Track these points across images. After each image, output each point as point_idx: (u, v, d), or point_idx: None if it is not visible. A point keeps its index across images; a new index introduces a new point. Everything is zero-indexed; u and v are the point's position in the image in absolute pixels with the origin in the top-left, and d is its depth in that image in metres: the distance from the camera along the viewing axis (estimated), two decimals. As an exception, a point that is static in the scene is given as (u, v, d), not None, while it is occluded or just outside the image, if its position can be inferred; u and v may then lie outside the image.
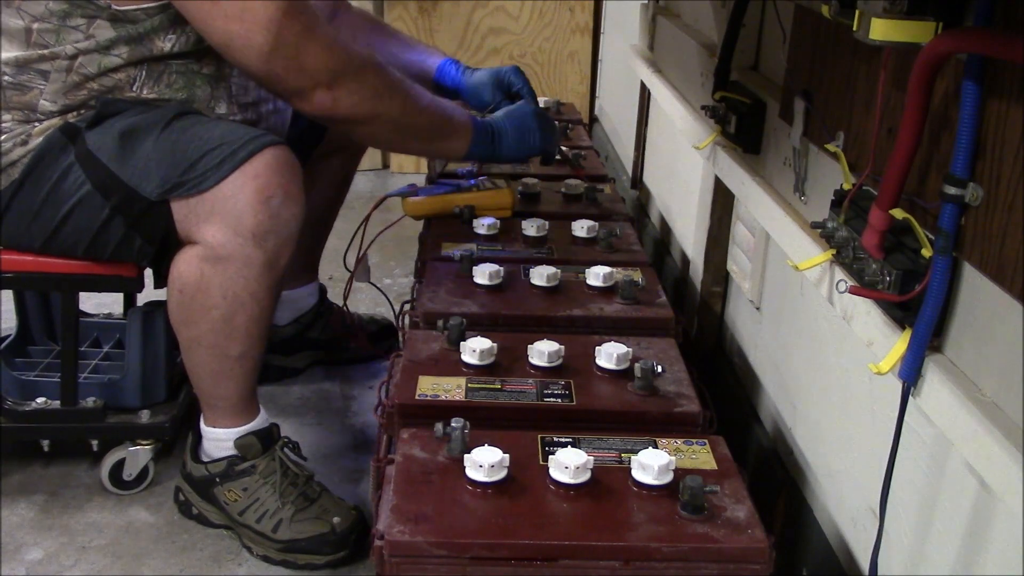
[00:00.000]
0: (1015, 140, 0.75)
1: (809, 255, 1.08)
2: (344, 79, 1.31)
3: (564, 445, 1.05)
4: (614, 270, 1.45)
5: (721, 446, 1.09)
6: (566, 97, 3.18)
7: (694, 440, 1.09)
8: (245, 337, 1.37)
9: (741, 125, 1.40)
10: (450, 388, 1.17)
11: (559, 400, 1.16)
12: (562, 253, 1.58)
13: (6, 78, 1.35)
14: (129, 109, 1.35)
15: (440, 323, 1.27)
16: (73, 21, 1.32)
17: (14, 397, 1.53)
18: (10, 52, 1.35)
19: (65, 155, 1.34)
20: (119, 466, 1.56)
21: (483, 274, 1.42)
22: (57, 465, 1.63)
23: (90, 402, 1.53)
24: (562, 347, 1.23)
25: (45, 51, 1.33)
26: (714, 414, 1.16)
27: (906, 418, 0.89)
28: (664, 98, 1.92)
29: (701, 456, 1.06)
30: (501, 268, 1.44)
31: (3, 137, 1.36)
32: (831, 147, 1.07)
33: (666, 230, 2.19)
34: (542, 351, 1.21)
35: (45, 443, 1.56)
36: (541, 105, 1.73)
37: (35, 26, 1.33)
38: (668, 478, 0.99)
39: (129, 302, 1.72)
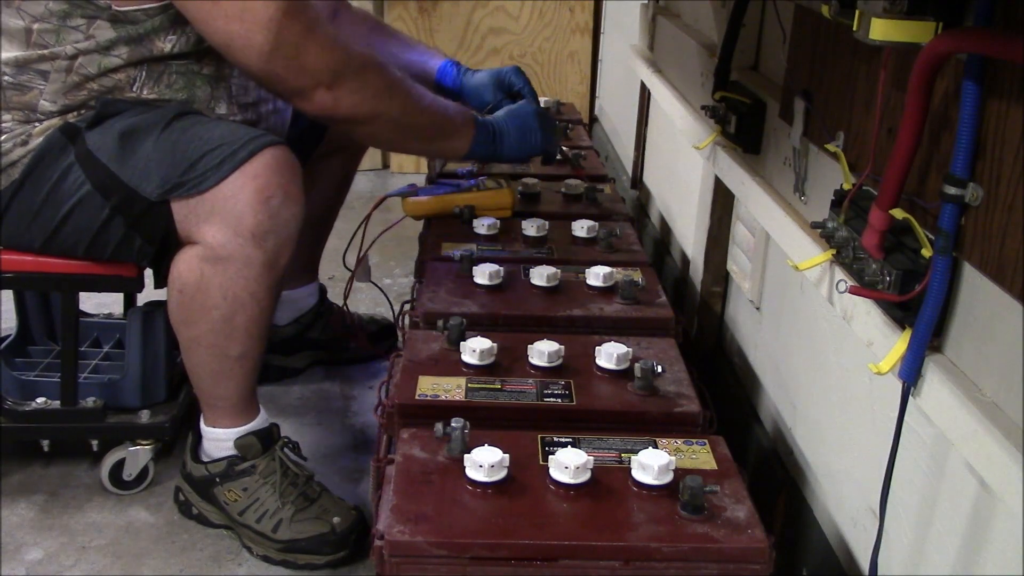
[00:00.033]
0: (1015, 140, 0.75)
1: (809, 255, 1.08)
2: (345, 79, 1.31)
3: (564, 445, 1.05)
4: (614, 270, 1.45)
5: (721, 446, 1.09)
6: (566, 97, 3.18)
7: (694, 440, 1.09)
8: (245, 337, 1.37)
9: (741, 125, 1.40)
10: (450, 388, 1.17)
11: (559, 400, 1.16)
12: (562, 253, 1.58)
13: (6, 78, 1.35)
14: (129, 109, 1.35)
15: (440, 323, 1.27)
16: (73, 21, 1.32)
17: (14, 397, 1.54)
18: (10, 52, 1.35)
19: (65, 155, 1.34)
20: (119, 466, 1.56)
21: (483, 274, 1.42)
22: (57, 465, 1.63)
23: (90, 402, 1.53)
24: (562, 347, 1.23)
25: (45, 51, 1.33)
26: (714, 414, 1.16)
27: (906, 418, 0.89)
28: (664, 98, 1.92)
29: (701, 456, 1.06)
30: (501, 268, 1.44)
31: (3, 137, 1.36)
32: (831, 147, 1.07)
33: (666, 230, 2.19)
34: (542, 351, 1.21)
35: (45, 443, 1.56)
36: (541, 105, 1.73)
37: (35, 26, 1.33)
38: (668, 478, 0.99)
39: (129, 302, 1.72)
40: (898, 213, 0.88)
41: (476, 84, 1.77)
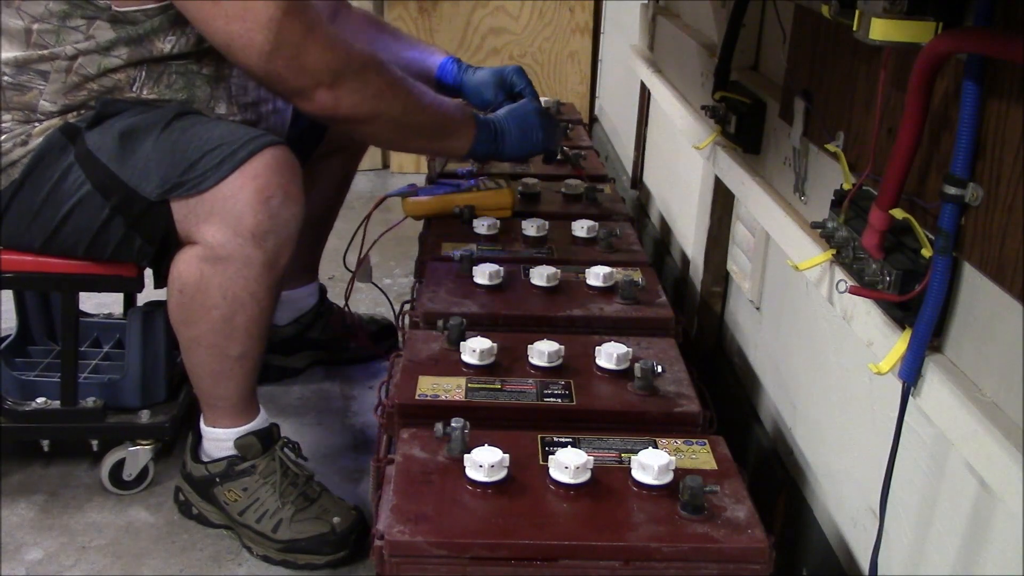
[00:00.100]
0: (1015, 140, 0.75)
1: (809, 255, 1.07)
2: (346, 78, 1.31)
3: (564, 445, 1.05)
4: (614, 270, 1.45)
5: (721, 446, 1.09)
6: (566, 97, 3.18)
7: (694, 440, 1.09)
8: (245, 337, 1.37)
9: (741, 125, 1.40)
10: (450, 388, 1.17)
11: (559, 400, 1.16)
12: (562, 253, 1.58)
13: (6, 78, 1.35)
14: (129, 109, 1.35)
15: (440, 323, 1.27)
16: (73, 22, 1.32)
17: (14, 397, 1.54)
18: (10, 52, 1.35)
19: (65, 155, 1.34)
20: (119, 466, 1.56)
21: (483, 274, 1.42)
22: (57, 465, 1.63)
23: (90, 402, 1.53)
24: (562, 347, 1.23)
25: (45, 51, 1.33)
26: (714, 414, 1.16)
27: (906, 418, 0.89)
28: (664, 98, 1.92)
29: (701, 456, 1.06)
30: (501, 268, 1.44)
31: (3, 137, 1.36)
32: (831, 147, 1.07)
33: (666, 230, 2.19)
34: (542, 351, 1.21)
35: (45, 443, 1.56)
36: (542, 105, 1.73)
37: (35, 27, 1.33)
38: (668, 478, 0.99)
39: (129, 302, 1.72)
40: (898, 213, 0.88)
41: (477, 82, 1.76)
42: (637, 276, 1.47)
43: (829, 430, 1.23)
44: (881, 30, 0.81)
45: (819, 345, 1.27)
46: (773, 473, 1.36)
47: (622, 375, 1.21)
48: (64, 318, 1.49)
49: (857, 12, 0.84)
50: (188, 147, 1.29)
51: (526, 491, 0.99)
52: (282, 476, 1.44)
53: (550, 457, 1.01)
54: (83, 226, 1.36)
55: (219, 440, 1.46)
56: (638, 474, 1.00)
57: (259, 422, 1.47)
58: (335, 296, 2.04)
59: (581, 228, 1.63)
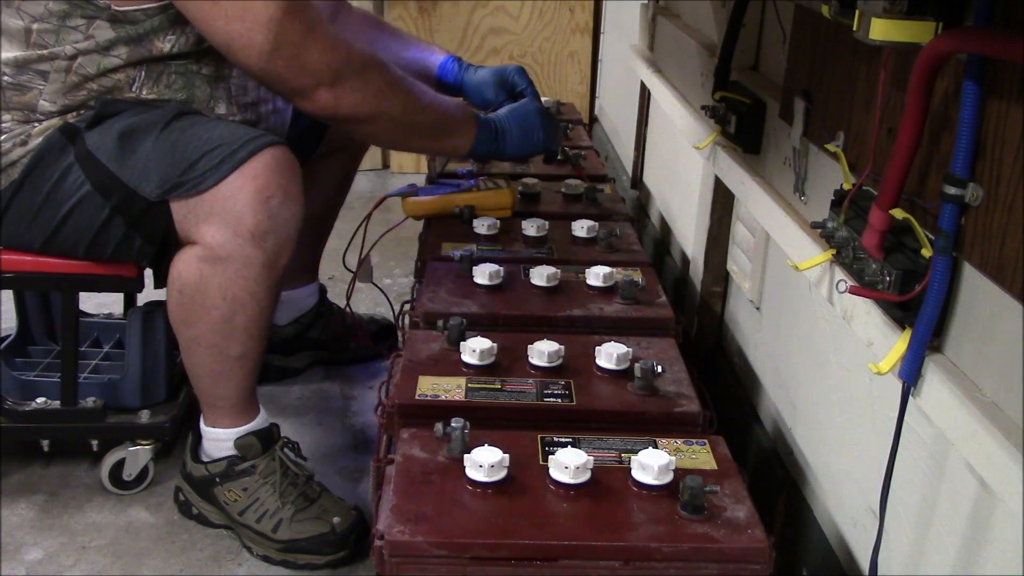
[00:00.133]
0: (1015, 140, 0.75)
1: (809, 255, 1.07)
2: (346, 78, 1.31)
3: (564, 445, 1.05)
4: (614, 270, 1.45)
5: (721, 446, 1.09)
6: (566, 97, 3.18)
7: (694, 440, 1.09)
8: (245, 337, 1.37)
9: (741, 125, 1.40)
10: (450, 388, 1.17)
11: (559, 400, 1.16)
12: (562, 253, 1.58)
13: (6, 78, 1.35)
14: (129, 109, 1.35)
15: (440, 323, 1.27)
16: (72, 21, 1.32)
17: (14, 397, 1.53)
18: (10, 52, 1.35)
19: (65, 155, 1.34)
20: (119, 466, 1.56)
21: (483, 274, 1.42)
22: (57, 465, 1.63)
23: (90, 402, 1.53)
24: (562, 347, 1.23)
25: (45, 51, 1.33)
26: (714, 414, 1.16)
27: (906, 418, 0.89)
28: (664, 98, 1.92)
29: (701, 456, 1.06)
30: (501, 268, 1.44)
31: (3, 137, 1.36)
32: (831, 147, 1.07)
33: (666, 230, 2.19)
34: (542, 351, 1.21)
35: (45, 443, 1.56)
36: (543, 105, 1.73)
37: (35, 26, 1.33)
38: (668, 478, 0.99)
39: (129, 302, 1.72)
40: (898, 213, 0.88)
41: (478, 81, 1.76)
42: (637, 276, 1.47)
43: (829, 430, 1.23)
44: (881, 30, 0.81)
45: (819, 345, 1.27)
46: (773, 473, 1.36)
47: (622, 375, 1.21)
48: (64, 318, 1.49)
49: (857, 12, 0.84)
50: (188, 147, 1.29)
51: (526, 491, 0.99)
52: (282, 476, 1.44)
53: (550, 457, 1.01)
54: (83, 226, 1.36)
55: (219, 440, 1.46)
56: (638, 474, 1.00)
57: (259, 422, 1.47)
58: (335, 296, 2.04)
59: (581, 228, 1.63)
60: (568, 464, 0.99)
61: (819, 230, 1.04)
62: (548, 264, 1.47)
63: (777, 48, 1.38)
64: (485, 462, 0.98)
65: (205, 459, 1.47)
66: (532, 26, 3.35)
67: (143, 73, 1.37)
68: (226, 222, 1.28)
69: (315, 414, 1.84)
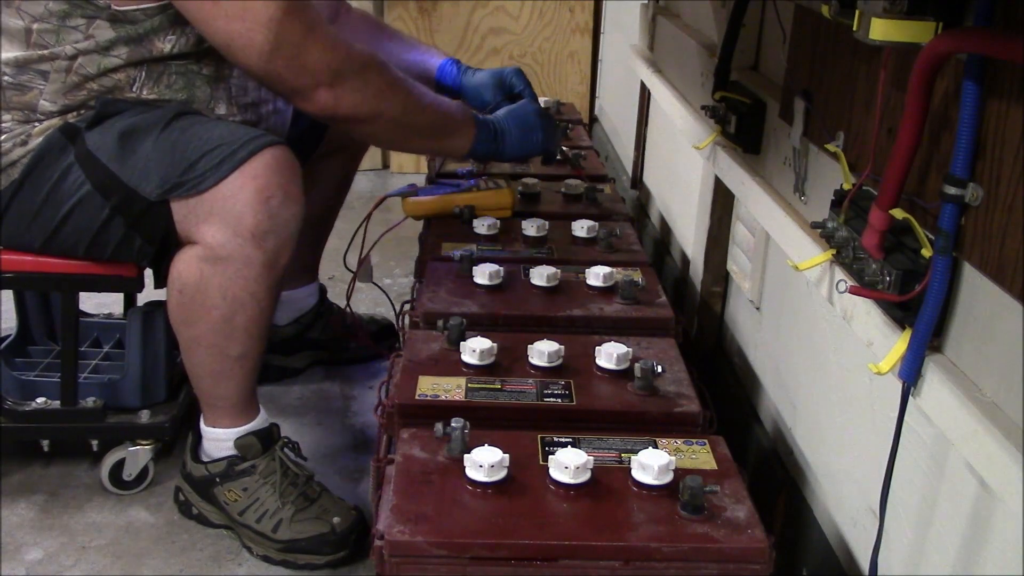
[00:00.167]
0: (1015, 140, 0.75)
1: (809, 255, 1.07)
2: (346, 78, 1.31)
3: (564, 445, 1.05)
4: (614, 270, 1.45)
5: (721, 446, 1.09)
6: (566, 97, 3.18)
7: (694, 440, 1.09)
8: (245, 337, 1.37)
9: (741, 125, 1.40)
10: (450, 388, 1.17)
11: (559, 400, 1.16)
12: (562, 253, 1.58)
13: (6, 78, 1.35)
14: (129, 109, 1.35)
15: (440, 323, 1.27)
16: (73, 21, 1.32)
17: (14, 397, 1.54)
18: (10, 52, 1.35)
19: (65, 155, 1.34)
20: (119, 466, 1.56)
21: (483, 274, 1.42)
22: (57, 465, 1.63)
23: (90, 402, 1.53)
24: (562, 347, 1.23)
25: (45, 51, 1.33)
26: (714, 414, 1.16)
27: (906, 418, 0.89)
28: (664, 98, 1.92)
29: (701, 456, 1.06)
30: (501, 268, 1.44)
31: (3, 137, 1.36)
32: (831, 147, 1.07)
33: (666, 230, 2.19)
34: (542, 351, 1.21)
35: (45, 443, 1.56)
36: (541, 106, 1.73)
37: (35, 26, 1.33)
38: (668, 478, 0.99)
39: (129, 302, 1.72)
40: (898, 213, 0.88)
41: (477, 83, 1.77)
42: (637, 276, 1.47)
43: (829, 430, 1.23)
44: (881, 30, 0.81)
45: (819, 345, 1.27)
46: (773, 473, 1.36)
47: (622, 375, 1.21)
48: (64, 318, 1.49)
49: (857, 12, 0.84)
50: (188, 147, 1.30)
51: (526, 491, 0.99)
52: (282, 476, 1.44)
53: (550, 457, 1.01)
54: (83, 226, 1.36)
55: (219, 440, 1.46)
56: (638, 474, 1.00)
57: (259, 422, 1.47)
58: (335, 296, 2.04)
59: (581, 228, 1.63)
60: (568, 464, 0.99)
61: (819, 230, 1.04)
62: (548, 264, 1.47)
63: (777, 48, 1.38)
64: (485, 462, 0.98)
65: (205, 459, 1.47)
66: (532, 26, 3.35)
67: (143, 73, 1.37)
68: (226, 222, 1.28)
69: (315, 414, 1.84)
